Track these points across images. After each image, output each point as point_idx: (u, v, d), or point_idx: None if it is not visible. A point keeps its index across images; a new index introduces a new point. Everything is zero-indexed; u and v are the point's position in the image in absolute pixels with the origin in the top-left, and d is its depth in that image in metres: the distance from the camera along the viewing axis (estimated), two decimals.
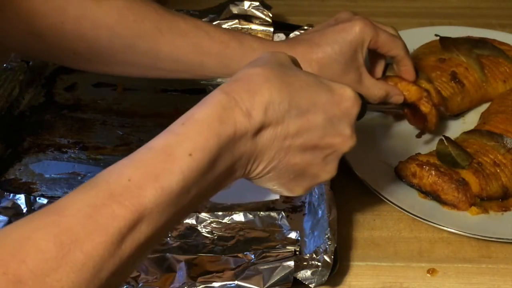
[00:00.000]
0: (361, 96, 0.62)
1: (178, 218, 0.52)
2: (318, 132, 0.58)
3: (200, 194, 0.52)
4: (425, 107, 0.87)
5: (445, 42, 0.97)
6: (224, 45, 0.79)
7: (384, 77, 0.88)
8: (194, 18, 0.82)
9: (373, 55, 0.87)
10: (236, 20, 1.08)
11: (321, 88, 0.58)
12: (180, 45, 0.78)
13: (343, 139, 0.59)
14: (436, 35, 1.01)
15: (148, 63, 0.80)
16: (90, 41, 0.77)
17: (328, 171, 0.61)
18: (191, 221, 0.76)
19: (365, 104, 0.64)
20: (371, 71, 0.87)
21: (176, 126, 0.53)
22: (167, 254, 0.70)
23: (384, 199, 0.80)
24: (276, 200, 0.81)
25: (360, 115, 0.63)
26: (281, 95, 0.55)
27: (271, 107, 0.55)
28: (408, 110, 0.89)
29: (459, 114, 0.94)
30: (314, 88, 0.58)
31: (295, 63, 0.62)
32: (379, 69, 0.88)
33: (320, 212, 0.74)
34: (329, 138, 0.59)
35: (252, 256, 0.69)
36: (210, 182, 0.53)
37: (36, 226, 0.45)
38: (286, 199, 0.81)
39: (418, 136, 0.89)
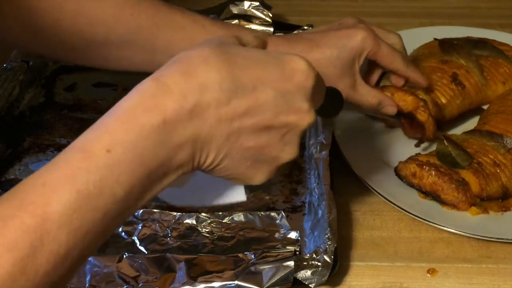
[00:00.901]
0: (335, 89, 0.58)
1: (114, 223, 0.47)
2: (270, 110, 0.54)
3: (132, 194, 0.47)
4: (422, 116, 0.86)
5: (444, 46, 0.96)
6: None
7: (381, 86, 0.88)
8: (193, 12, 0.81)
9: (371, 63, 0.86)
10: (236, 20, 1.09)
11: (269, 64, 0.54)
12: (177, 39, 0.78)
13: (300, 116, 0.55)
14: (435, 39, 1.00)
15: (145, 57, 0.79)
16: (87, 37, 0.77)
17: (288, 151, 0.57)
18: (191, 221, 0.76)
19: (340, 96, 0.61)
20: (366, 78, 0.86)
21: (100, 120, 0.49)
22: (167, 254, 0.70)
23: (384, 199, 0.80)
24: (276, 200, 0.81)
25: (337, 109, 0.60)
26: (221, 75, 0.51)
27: (210, 88, 0.51)
28: (405, 120, 0.89)
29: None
30: (261, 65, 0.54)
31: (246, 44, 0.58)
32: (375, 76, 0.87)
33: (320, 212, 0.74)
34: (284, 115, 0.55)
35: (252, 256, 0.69)
36: (143, 181, 0.48)
37: None
38: (286, 199, 0.81)
39: (417, 145, 0.88)
